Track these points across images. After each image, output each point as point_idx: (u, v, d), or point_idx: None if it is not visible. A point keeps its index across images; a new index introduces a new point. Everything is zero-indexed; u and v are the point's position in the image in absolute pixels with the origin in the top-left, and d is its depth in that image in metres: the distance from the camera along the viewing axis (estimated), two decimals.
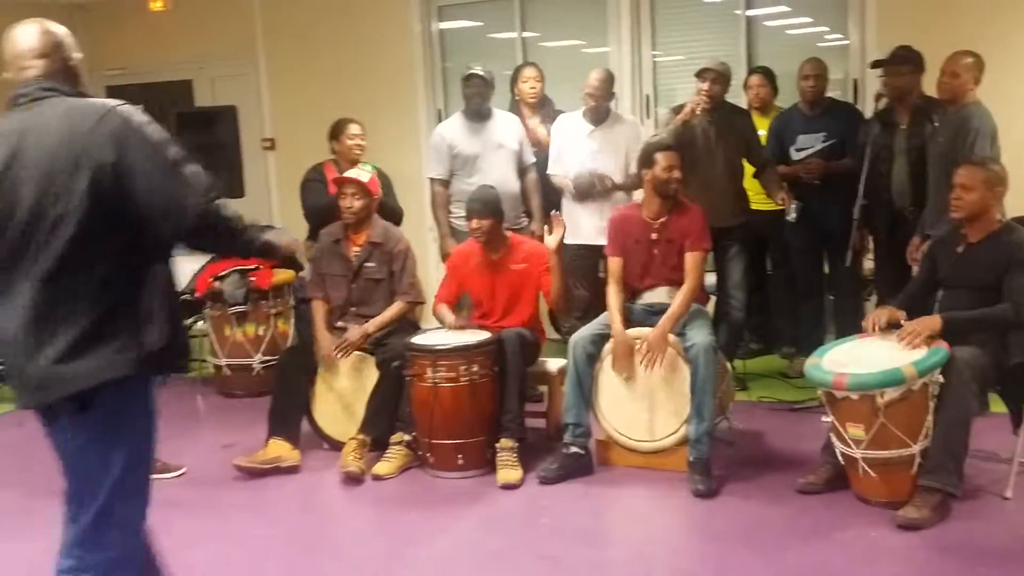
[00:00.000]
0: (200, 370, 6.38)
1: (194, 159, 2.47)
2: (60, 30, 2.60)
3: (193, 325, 6.39)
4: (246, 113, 7.28)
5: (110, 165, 2.35)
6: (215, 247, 2.85)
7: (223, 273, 6.09)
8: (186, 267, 6.64)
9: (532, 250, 4.86)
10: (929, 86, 5.07)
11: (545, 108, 5.99)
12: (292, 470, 4.62)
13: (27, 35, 2.55)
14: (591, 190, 5.39)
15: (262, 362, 6.02)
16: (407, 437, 4.59)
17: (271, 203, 7.80)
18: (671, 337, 4.36)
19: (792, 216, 5.26)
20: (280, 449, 4.64)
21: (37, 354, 2.38)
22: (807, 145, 5.60)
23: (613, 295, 4.58)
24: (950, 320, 3.90)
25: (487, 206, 4.75)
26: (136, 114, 2.44)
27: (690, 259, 4.51)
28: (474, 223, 4.75)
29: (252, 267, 6.07)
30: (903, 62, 5.10)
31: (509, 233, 4.97)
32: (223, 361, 6.10)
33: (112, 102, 2.46)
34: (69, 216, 2.35)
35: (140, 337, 2.43)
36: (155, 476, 4.58)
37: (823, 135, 5.57)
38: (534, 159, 5.74)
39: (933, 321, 3.92)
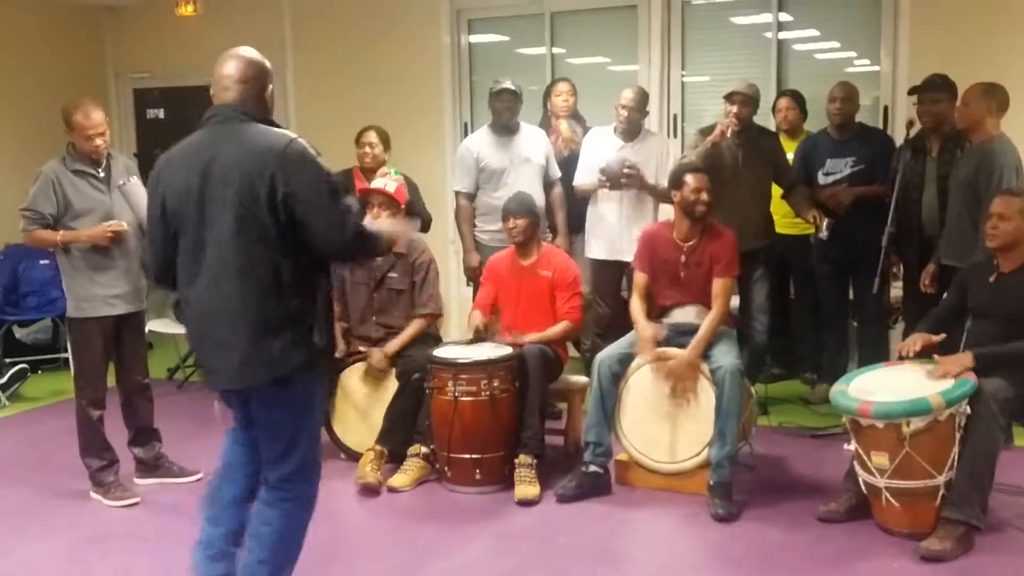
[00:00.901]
0: None
1: (347, 192, 2.98)
2: (263, 61, 3.00)
3: None
4: None
5: (283, 189, 2.75)
6: (363, 257, 3.45)
7: None
8: None
9: (561, 263, 4.87)
10: None
11: (577, 125, 5.98)
12: None
13: (232, 62, 2.94)
14: (618, 174, 5.34)
15: None
16: (425, 449, 4.56)
17: None
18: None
19: (824, 234, 5.21)
20: None
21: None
22: (835, 170, 5.55)
23: (637, 303, 4.59)
24: (981, 356, 3.84)
25: (524, 205, 4.85)
26: (308, 149, 2.84)
27: (718, 284, 4.49)
28: (511, 222, 4.80)
29: None
30: (939, 89, 5.08)
31: (545, 243, 4.98)
32: None
33: (290, 135, 2.85)
34: (238, 227, 2.78)
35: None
36: (172, 480, 4.67)
37: (851, 160, 5.51)
38: (560, 174, 5.72)
39: (965, 359, 3.87)
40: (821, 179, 5.59)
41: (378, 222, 3.54)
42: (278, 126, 2.95)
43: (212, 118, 2.92)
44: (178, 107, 8.30)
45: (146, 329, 4.78)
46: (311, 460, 3.08)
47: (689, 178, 4.50)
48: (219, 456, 3.23)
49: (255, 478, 3.11)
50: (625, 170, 5.32)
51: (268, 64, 3.01)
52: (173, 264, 2.97)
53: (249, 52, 2.99)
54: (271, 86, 3.01)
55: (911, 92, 5.31)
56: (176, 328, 6.64)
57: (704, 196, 4.48)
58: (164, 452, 4.70)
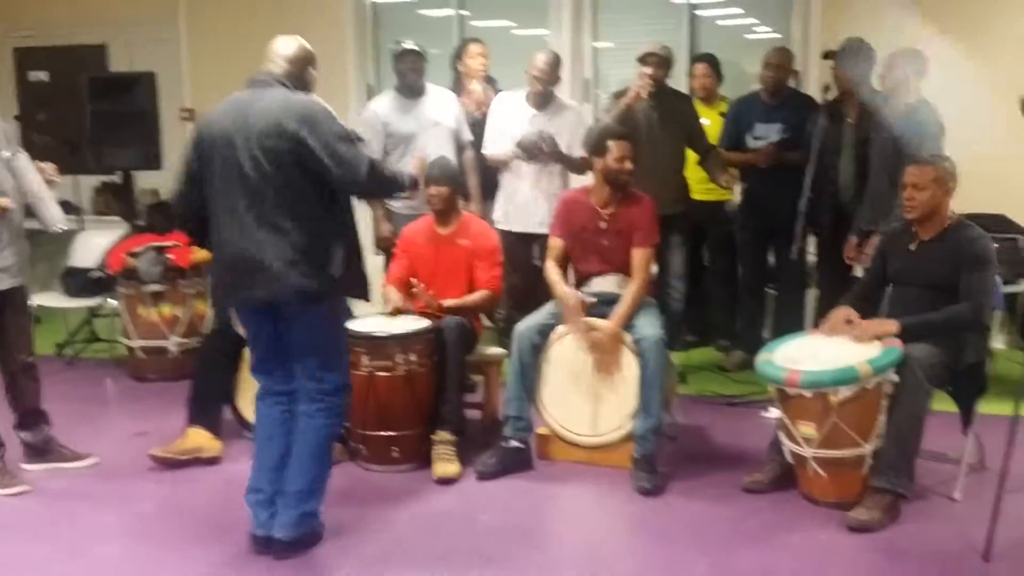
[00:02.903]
0: (111, 352, 6.03)
1: (359, 140, 3.40)
2: (308, 47, 3.52)
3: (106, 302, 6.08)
4: (165, 81, 6.89)
5: (306, 134, 3.24)
6: (383, 194, 4.04)
7: (138, 249, 5.76)
8: (98, 242, 6.29)
9: (481, 231, 4.69)
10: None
11: (490, 87, 5.79)
12: (212, 461, 4.35)
13: (283, 42, 3.50)
14: (535, 149, 5.19)
15: (178, 345, 5.72)
16: None
17: None
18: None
19: (736, 199, 5.16)
20: (200, 439, 4.36)
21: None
22: (764, 135, 5.49)
23: (553, 269, 4.45)
24: (908, 327, 3.81)
25: (445, 173, 4.63)
26: (325, 106, 3.37)
27: (638, 255, 4.36)
28: (432, 189, 4.59)
29: (170, 244, 5.75)
30: (854, 54, 5.05)
31: (464, 211, 4.79)
32: (136, 343, 5.76)
33: (313, 98, 3.42)
34: (266, 169, 3.26)
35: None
36: (63, 465, 4.37)
37: (781, 126, 5.46)
38: (471, 137, 5.54)
39: (888, 326, 3.84)
40: (750, 142, 5.52)
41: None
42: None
43: (256, 81, 3.41)
44: (65, 69, 7.77)
45: (33, 303, 4.46)
46: (340, 373, 3.55)
47: (612, 145, 4.34)
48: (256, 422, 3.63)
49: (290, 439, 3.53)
50: (543, 144, 5.17)
51: (312, 53, 3.53)
52: (202, 216, 3.46)
53: (301, 40, 3.51)
54: (314, 72, 3.53)
55: (825, 56, 5.27)
56: (64, 301, 6.28)
57: (628, 165, 4.34)
58: (54, 435, 4.38)
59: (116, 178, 7.29)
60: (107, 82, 6.78)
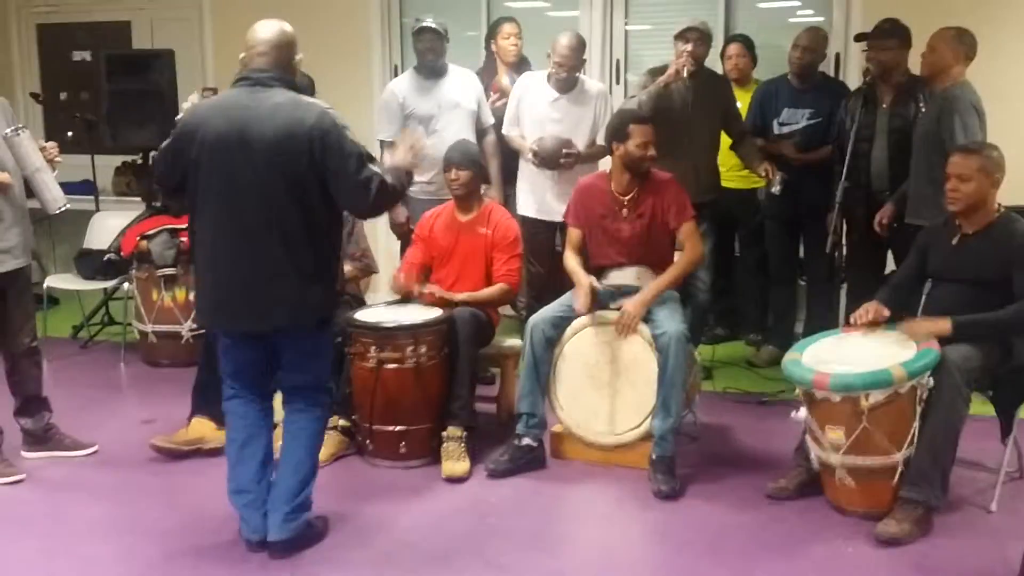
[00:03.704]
0: (124, 335, 5.91)
1: (370, 160, 3.23)
2: (292, 31, 3.27)
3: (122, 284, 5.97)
4: (187, 59, 6.76)
5: (317, 156, 3.10)
6: (389, 207, 3.68)
7: (151, 232, 5.63)
8: (114, 223, 6.16)
9: (502, 221, 4.50)
10: (916, 66, 4.79)
11: (522, 69, 5.60)
12: (215, 453, 4.19)
13: (267, 29, 3.23)
14: (555, 157, 4.99)
15: (192, 330, 5.56)
16: (343, 422, 4.19)
17: None
18: (640, 325, 4.02)
19: (776, 188, 4.91)
20: (203, 429, 4.22)
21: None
22: (791, 120, 5.24)
23: (571, 257, 4.29)
24: (960, 326, 3.56)
25: (466, 156, 4.45)
26: (338, 121, 3.18)
27: (685, 230, 4.20)
28: (453, 173, 4.42)
29: (183, 227, 5.61)
30: (888, 35, 4.79)
31: (487, 199, 4.60)
32: (149, 327, 5.64)
33: (323, 106, 3.20)
34: (274, 186, 3.10)
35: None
36: (63, 454, 4.25)
37: (809, 112, 5.21)
38: (493, 120, 5.34)
39: (941, 326, 3.59)
40: (776, 128, 5.29)
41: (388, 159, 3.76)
42: (299, 90, 3.25)
43: (244, 80, 3.20)
44: (84, 43, 7.63)
45: (49, 284, 4.33)
46: (327, 367, 3.53)
47: (634, 130, 4.11)
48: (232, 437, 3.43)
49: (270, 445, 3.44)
50: (563, 157, 4.96)
51: (293, 33, 3.28)
52: (180, 187, 3.29)
53: (281, 23, 3.26)
54: (299, 55, 3.30)
55: (858, 39, 5.03)
56: (80, 284, 6.17)
57: (651, 151, 4.13)
58: (55, 422, 4.27)
59: (138, 158, 7.18)
60: (125, 59, 6.66)
